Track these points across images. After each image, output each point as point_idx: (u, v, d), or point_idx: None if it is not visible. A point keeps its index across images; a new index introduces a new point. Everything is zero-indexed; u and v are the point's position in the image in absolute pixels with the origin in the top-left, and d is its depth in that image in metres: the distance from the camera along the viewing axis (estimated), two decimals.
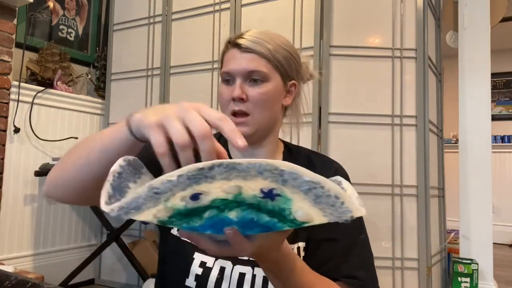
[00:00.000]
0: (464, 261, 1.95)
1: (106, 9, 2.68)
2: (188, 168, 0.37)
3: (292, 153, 0.83)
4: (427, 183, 1.76)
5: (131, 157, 0.50)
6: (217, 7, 2.14)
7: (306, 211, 0.41)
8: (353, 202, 0.40)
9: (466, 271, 1.93)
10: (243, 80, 0.73)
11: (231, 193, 0.40)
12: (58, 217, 2.30)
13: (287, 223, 0.43)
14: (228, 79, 0.75)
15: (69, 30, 2.49)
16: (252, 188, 0.39)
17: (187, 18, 2.24)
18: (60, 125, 2.30)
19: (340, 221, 0.40)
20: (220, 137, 0.83)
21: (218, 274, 0.70)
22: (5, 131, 1.97)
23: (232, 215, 0.42)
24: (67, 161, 0.59)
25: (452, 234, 2.33)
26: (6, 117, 1.98)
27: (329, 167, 0.80)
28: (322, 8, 1.85)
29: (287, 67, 0.76)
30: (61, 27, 2.44)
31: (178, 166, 0.43)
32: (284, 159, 0.81)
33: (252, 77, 0.73)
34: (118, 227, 2.14)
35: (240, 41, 0.74)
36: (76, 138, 2.35)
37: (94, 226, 2.48)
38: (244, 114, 0.73)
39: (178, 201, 0.39)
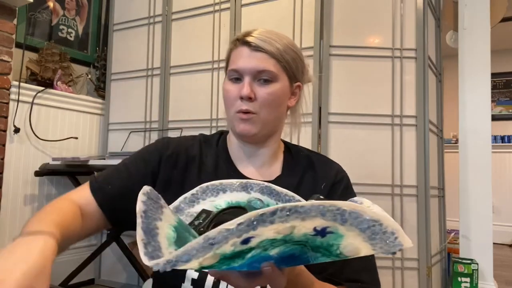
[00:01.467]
0: (464, 261, 1.95)
1: (106, 9, 2.67)
2: (250, 215, 0.36)
3: (292, 153, 0.83)
4: (427, 183, 1.76)
5: (148, 188, 0.49)
6: (217, 7, 2.14)
7: (356, 246, 0.41)
8: (405, 235, 0.40)
9: (466, 271, 1.92)
10: (251, 79, 0.72)
11: (282, 234, 0.38)
12: None
13: (331, 257, 0.43)
14: (236, 77, 0.74)
15: (69, 30, 2.49)
16: (306, 227, 0.38)
17: (187, 18, 2.24)
18: (60, 125, 2.30)
19: (386, 254, 0.41)
20: (219, 138, 0.82)
21: (215, 278, 0.67)
22: (5, 131, 1.97)
23: (274, 252, 0.41)
24: None
25: (452, 234, 2.33)
26: (6, 117, 1.97)
27: (330, 168, 0.80)
28: (322, 8, 1.85)
29: (294, 69, 0.76)
30: (61, 27, 2.44)
31: None
32: (285, 158, 0.81)
33: (261, 77, 0.72)
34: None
35: (250, 39, 0.73)
36: (76, 138, 2.35)
37: None
38: (251, 113, 0.73)
39: (229, 246, 0.37)
